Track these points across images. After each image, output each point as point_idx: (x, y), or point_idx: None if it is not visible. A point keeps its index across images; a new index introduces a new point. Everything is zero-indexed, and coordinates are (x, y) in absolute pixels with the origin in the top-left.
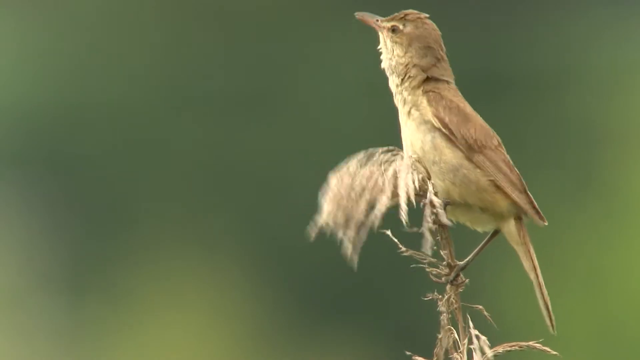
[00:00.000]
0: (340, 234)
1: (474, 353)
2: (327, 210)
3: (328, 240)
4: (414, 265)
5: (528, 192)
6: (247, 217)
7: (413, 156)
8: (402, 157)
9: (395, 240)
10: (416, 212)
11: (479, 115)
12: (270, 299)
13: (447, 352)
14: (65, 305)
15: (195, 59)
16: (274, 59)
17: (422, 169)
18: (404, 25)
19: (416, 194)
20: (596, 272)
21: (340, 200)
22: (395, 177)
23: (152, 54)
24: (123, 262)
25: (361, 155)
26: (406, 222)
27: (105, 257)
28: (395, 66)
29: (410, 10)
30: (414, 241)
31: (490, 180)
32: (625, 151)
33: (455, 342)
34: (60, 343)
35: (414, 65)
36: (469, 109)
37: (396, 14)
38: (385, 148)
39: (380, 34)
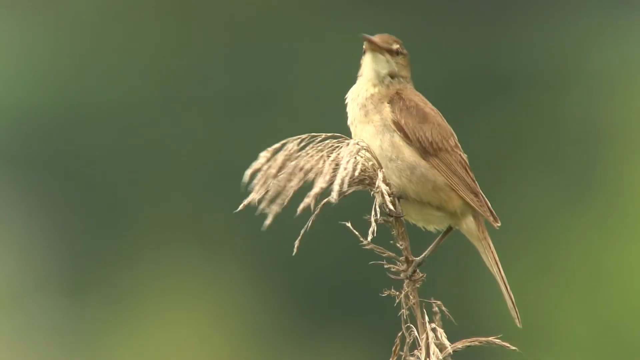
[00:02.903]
0: (264, 208)
1: (433, 349)
2: (255, 187)
3: (328, 241)
4: (372, 262)
5: (481, 193)
6: (248, 217)
7: (361, 144)
8: (348, 144)
9: (356, 232)
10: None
11: (439, 114)
12: (270, 299)
13: (410, 348)
14: (65, 305)
15: (195, 60)
16: (273, 60)
17: (372, 158)
18: (402, 48)
19: (368, 184)
20: (596, 272)
21: (267, 179)
22: (336, 162)
23: (152, 54)
24: (123, 262)
25: (302, 137)
26: (335, 200)
27: (105, 257)
28: (391, 80)
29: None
30: (382, 238)
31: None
32: (625, 151)
33: (415, 339)
34: (61, 343)
35: (408, 82)
36: (428, 107)
37: (392, 36)
38: (330, 134)
39: (381, 52)
